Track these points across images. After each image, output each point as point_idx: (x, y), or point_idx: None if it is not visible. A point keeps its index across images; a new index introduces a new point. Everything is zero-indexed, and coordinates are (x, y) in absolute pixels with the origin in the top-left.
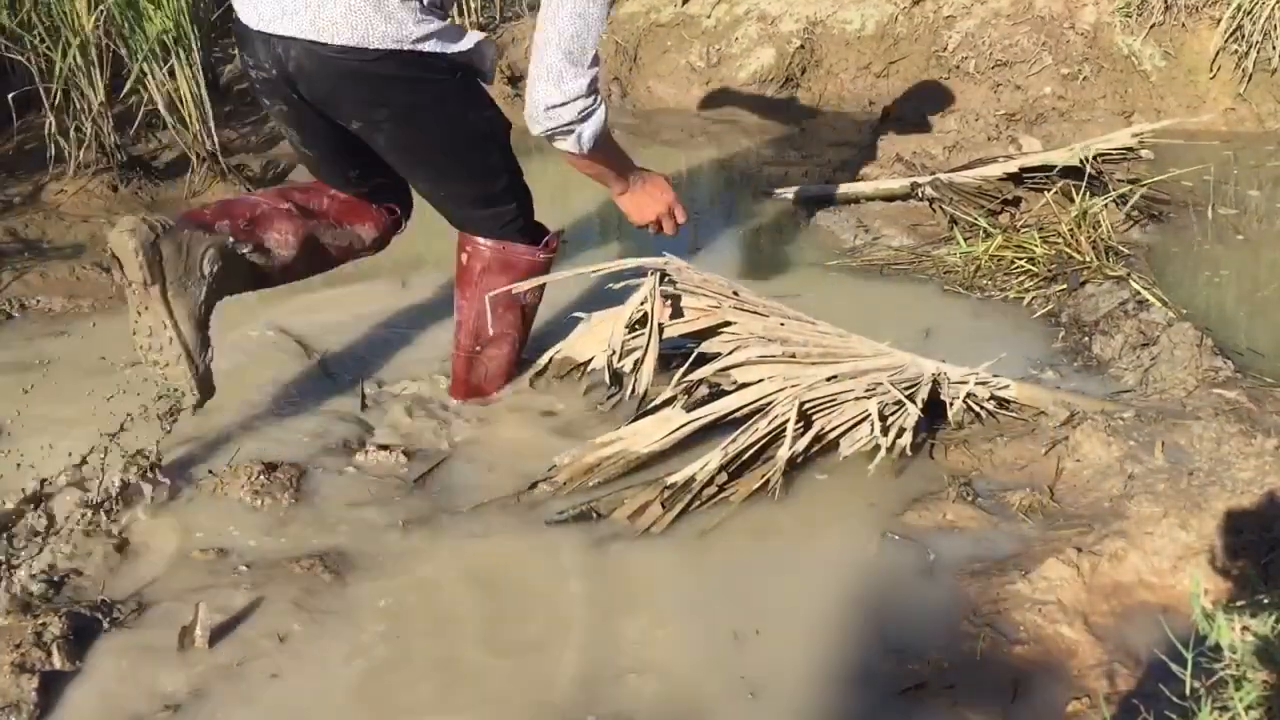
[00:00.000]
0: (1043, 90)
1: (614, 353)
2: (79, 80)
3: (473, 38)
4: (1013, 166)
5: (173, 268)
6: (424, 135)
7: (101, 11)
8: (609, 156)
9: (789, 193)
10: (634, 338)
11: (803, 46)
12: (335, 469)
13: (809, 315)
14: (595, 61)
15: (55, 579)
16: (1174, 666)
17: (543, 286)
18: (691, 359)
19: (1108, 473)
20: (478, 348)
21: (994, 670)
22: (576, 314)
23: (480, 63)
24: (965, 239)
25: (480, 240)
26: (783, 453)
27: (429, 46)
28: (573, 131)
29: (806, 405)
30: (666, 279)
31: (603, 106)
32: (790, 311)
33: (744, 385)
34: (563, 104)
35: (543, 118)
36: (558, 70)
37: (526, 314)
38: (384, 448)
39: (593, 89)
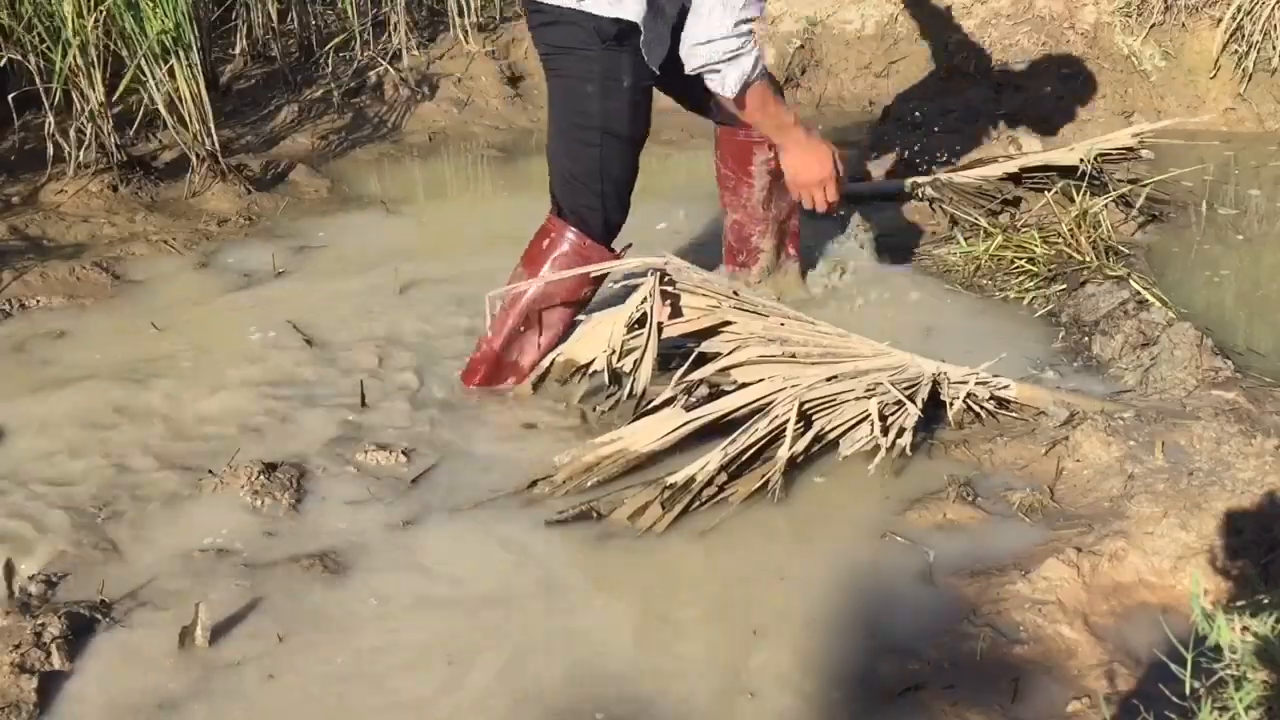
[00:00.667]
0: (1043, 90)
1: (614, 353)
2: (79, 80)
3: (635, 9)
4: (1013, 166)
5: None
6: (551, 89)
7: (101, 11)
8: (761, 107)
9: None
10: (634, 338)
11: (803, 46)
12: (335, 469)
13: (809, 315)
14: (751, 7)
15: (54, 579)
16: (1174, 666)
17: (594, 291)
18: (691, 359)
19: (1108, 473)
20: (521, 328)
21: (994, 670)
22: (577, 315)
23: (637, 40)
24: (965, 239)
25: (569, 230)
26: (783, 453)
27: (587, 6)
28: (718, 71)
29: (806, 405)
30: (666, 279)
31: (753, 54)
32: (790, 311)
33: (744, 385)
34: (708, 41)
35: (689, 53)
36: (709, 7)
37: (575, 313)
38: (384, 448)
39: (742, 32)
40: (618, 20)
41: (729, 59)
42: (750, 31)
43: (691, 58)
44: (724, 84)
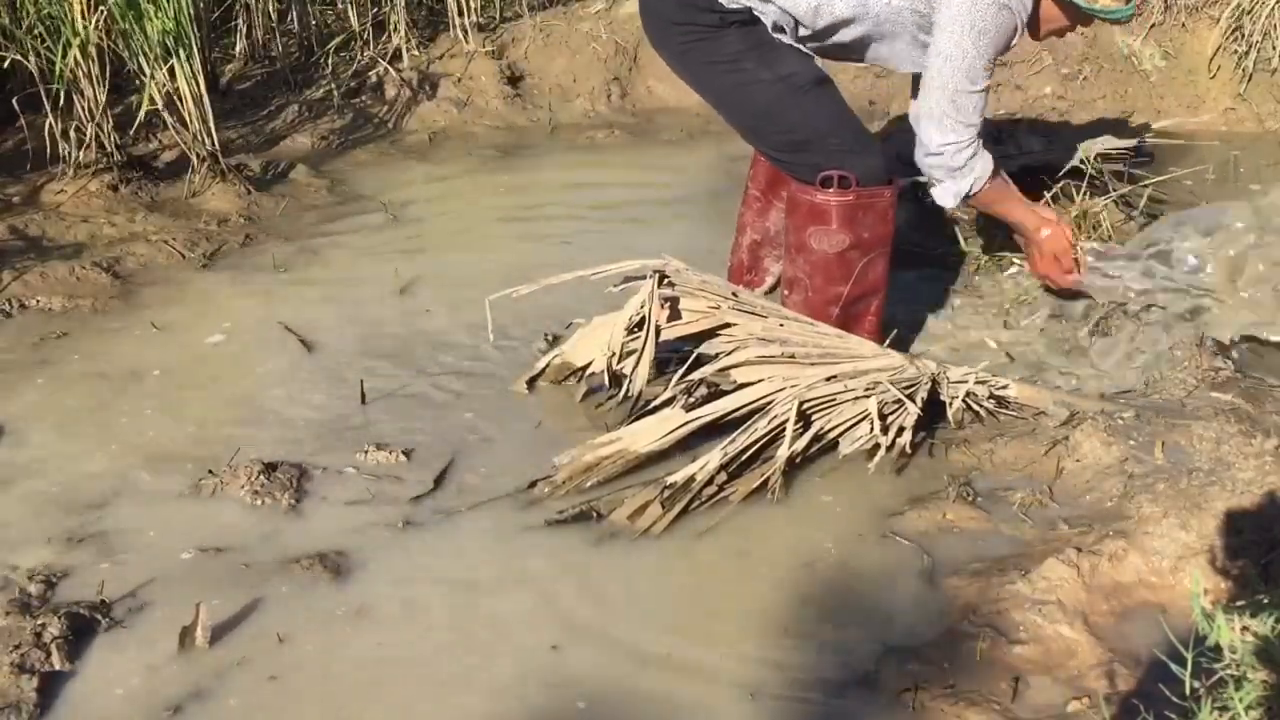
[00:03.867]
0: (1043, 90)
1: (613, 355)
2: (79, 80)
3: None
4: (1013, 166)
5: None
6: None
7: (101, 12)
8: (987, 208)
9: None
10: (633, 340)
11: None
12: (335, 469)
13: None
14: (978, 119)
15: (54, 579)
16: (1174, 666)
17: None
18: (690, 360)
19: (1108, 473)
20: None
21: (994, 670)
22: (577, 318)
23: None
24: (965, 239)
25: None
26: (782, 452)
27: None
28: (941, 182)
29: (806, 405)
30: (666, 281)
31: (973, 173)
32: (789, 312)
33: (743, 385)
34: (941, 149)
35: (923, 161)
36: (940, 113)
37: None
38: (384, 448)
39: (972, 143)
40: (738, 10)
41: (953, 173)
42: (975, 140)
43: (923, 163)
44: (944, 197)
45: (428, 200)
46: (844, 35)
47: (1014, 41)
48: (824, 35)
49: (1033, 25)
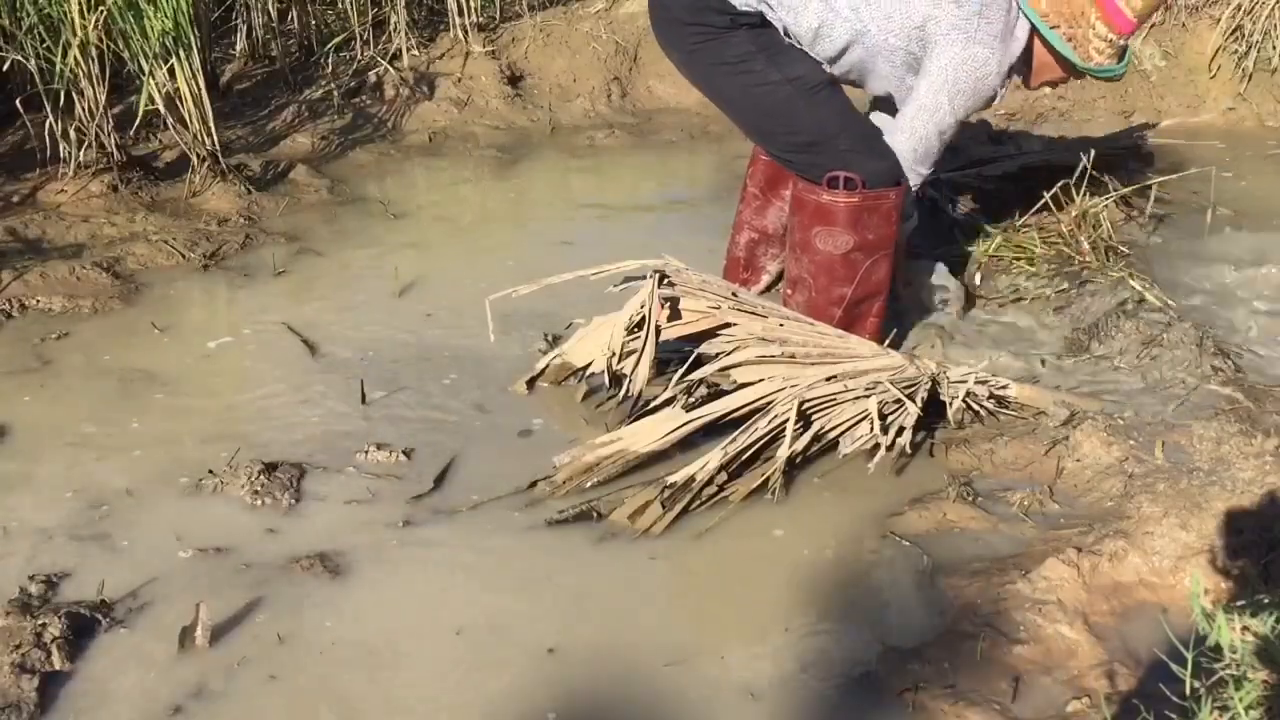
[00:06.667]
0: (1043, 90)
1: (613, 355)
2: (79, 80)
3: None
4: (1013, 166)
5: None
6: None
7: (101, 12)
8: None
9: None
10: (633, 340)
11: None
12: (335, 469)
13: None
14: (930, 168)
15: (54, 579)
16: (1174, 666)
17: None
18: (691, 360)
19: (1108, 473)
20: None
21: (994, 670)
22: (577, 318)
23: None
24: (965, 239)
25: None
26: (782, 452)
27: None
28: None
29: (806, 405)
30: (666, 281)
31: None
32: (789, 312)
33: (744, 385)
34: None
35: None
36: (900, 156)
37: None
38: (384, 448)
39: (914, 189)
40: (748, 13)
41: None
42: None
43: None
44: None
45: (428, 200)
46: (840, 64)
47: (992, 104)
48: (823, 60)
49: (1025, 75)
